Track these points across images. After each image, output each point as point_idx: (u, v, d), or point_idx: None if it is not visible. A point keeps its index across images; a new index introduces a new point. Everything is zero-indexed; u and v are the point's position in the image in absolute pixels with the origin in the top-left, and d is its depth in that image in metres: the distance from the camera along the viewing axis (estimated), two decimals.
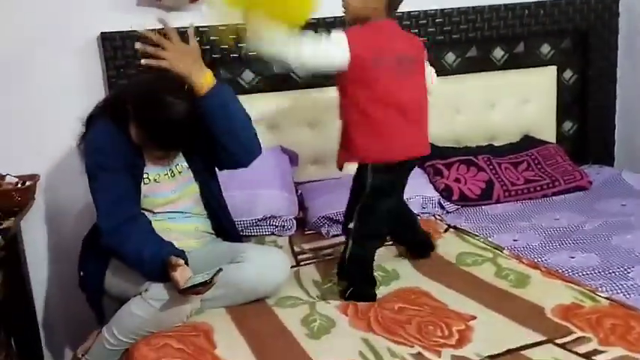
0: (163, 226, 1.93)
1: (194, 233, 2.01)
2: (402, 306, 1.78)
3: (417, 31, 2.70)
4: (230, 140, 1.86)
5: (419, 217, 2.40)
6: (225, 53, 2.58)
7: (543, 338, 1.56)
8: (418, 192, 2.55)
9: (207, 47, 2.53)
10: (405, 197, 2.36)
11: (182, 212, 2.00)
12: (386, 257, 2.11)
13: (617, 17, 2.96)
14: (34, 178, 2.35)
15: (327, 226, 2.42)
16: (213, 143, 1.87)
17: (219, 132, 1.84)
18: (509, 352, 1.52)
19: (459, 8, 2.75)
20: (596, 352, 1.49)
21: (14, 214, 2.20)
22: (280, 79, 2.70)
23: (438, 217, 2.48)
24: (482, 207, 2.54)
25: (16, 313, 2.31)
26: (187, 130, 1.81)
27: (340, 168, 1.93)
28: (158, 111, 1.76)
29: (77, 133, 1.99)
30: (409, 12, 2.69)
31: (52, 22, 2.40)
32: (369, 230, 1.89)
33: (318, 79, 2.58)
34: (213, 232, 2.09)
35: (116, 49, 2.47)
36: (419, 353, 1.54)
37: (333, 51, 1.78)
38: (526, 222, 2.36)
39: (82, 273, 2.02)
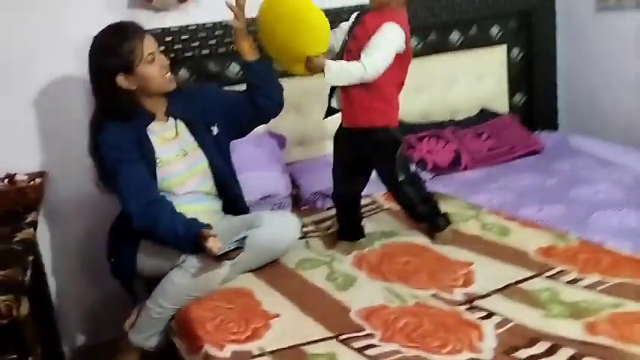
0: (178, 208, 2.10)
1: (207, 214, 2.20)
2: (408, 259, 2.08)
3: None
4: (273, 91, 2.29)
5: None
6: (214, 48, 2.78)
7: (533, 273, 1.90)
8: None
9: (196, 44, 2.75)
10: None
11: (194, 192, 2.19)
12: (382, 219, 2.40)
13: None
14: (42, 175, 2.48)
15: (321, 200, 2.68)
16: (254, 100, 2.24)
17: (266, 85, 2.25)
18: (507, 286, 1.84)
19: None
20: (577, 279, 1.84)
21: (31, 209, 2.34)
22: None
23: None
24: (454, 175, 2.86)
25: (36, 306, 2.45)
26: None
27: (361, 126, 2.15)
28: (117, 32, 2.06)
29: (87, 141, 2.15)
30: None
31: (48, 24, 2.52)
32: (413, 174, 2.24)
33: None
34: (222, 211, 2.31)
35: None
36: (435, 294, 1.85)
37: (397, 42, 2.06)
38: (495, 184, 2.70)
39: (112, 260, 2.20)
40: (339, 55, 2.15)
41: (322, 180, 2.75)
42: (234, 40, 2.27)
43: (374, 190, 2.70)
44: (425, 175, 2.85)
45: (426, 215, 2.26)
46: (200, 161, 2.21)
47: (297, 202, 2.73)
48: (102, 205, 2.48)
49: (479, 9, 3.18)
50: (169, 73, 2.12)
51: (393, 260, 2.08)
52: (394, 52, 2.07)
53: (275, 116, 2.36)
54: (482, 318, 1.69)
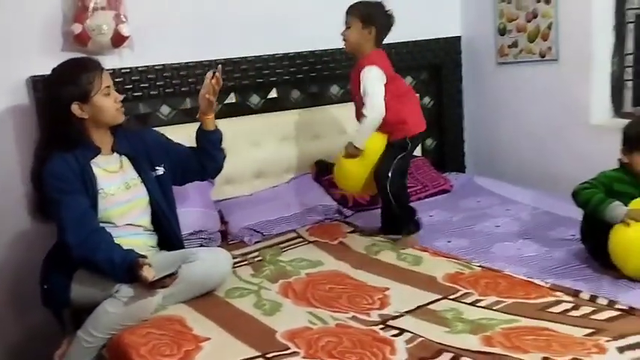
0: (117, 241, 2.20)
1: (143, 247, 2.31)
2: (331, 286, 2.26)
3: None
4: (219, 157, 2.56)
5: (323, 223, 2.93)
6: (146, 91, 2.93)
7: (440, 296, 2.12)
8: (320, 202, 3.07)
9: (130, 86, 2.89)
10: (307, 207, 2.93)
11: (133, 225, 2.31)
12: (308, 251, 2.59)
13: (460, 54, 3.71)
14: None
15: (248, 235, 2.84)
16: (201, 161, 2.47)
17: (215, 152, 2.48)
18: (418, 307, 2.05)
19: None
20: (477, 300, 2.07)
21: None
22: (191, 112, 3.10)
23: (341, 221, 2.99)
24: (372, 211, 3.09)
25: None
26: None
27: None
28: (77, 63, 2.23)
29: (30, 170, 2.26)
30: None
31: None
32: (403, 184, 2.68)
33: (225, 112, 3.06)
34: (157, 246, 2.42)
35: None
36: (354, 316, 2.03)
37: (378, 78, 2.55)
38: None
39: (45, 287, 2.26)
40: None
41: (250, 216, 2.93)
42: (201, 110, 2.47)
43: (297, 225, 2.91)
44: (347, 212, 3.08)
45: (399, 215, 2.63)
46: (142, 196, 2.33)
47: (226, 237, 2.87)
48: (29, 238, 2.54)
49: (395, 62, 3.44)
50: (122, 107, 2.27)
51: (317, 287, 2.25)
52: (381, 86, 2.56)
53: (214, 177, 2.64)
54: (395, 335, 1.88)
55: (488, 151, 3.73)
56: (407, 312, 2.03)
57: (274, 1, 3.21)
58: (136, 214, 2.31)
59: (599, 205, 2.22)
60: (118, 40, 2.78)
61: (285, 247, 2.70)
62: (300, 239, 2.78)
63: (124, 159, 2.34)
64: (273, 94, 3.33)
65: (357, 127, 2.66)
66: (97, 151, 2.26)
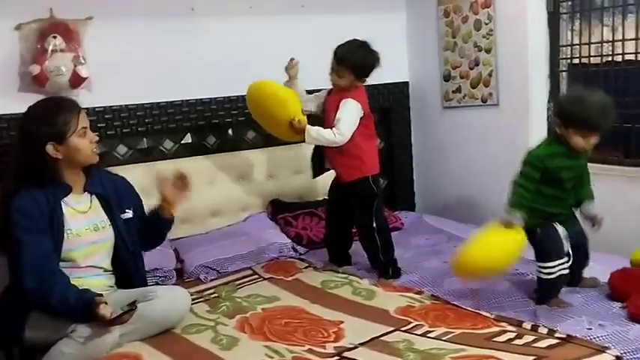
0: (77, 282, 2.21)
1: (101, 287, 2.31)
2: (287, 321, 2.32)
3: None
4: (164, 235, 2.57)
5: (278, 260, 3.00)
6: (103, 130, 2.97)
7: (393, 328, 2.20)
8: (275, 240, 3.15)
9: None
10: (262, 245, 2.99)
11: (94, 267, 2.31)
12: (264, 287, 2.65)
13: (408, 98, 3.89)
14: None
15: (204, 272, 2.87)
16: (148, 234, 2.49)
17: (163, 233, 2.54)
18: (372, 339, 2.13)
19: None
20: (428, 331, 2.16)
21: None
22: (147, 152, 3.16)
23: (296, 258, 3.06)
24: (325, 249, 3.17)
25: None
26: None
27: (346, 180, 2.79)
28: (54, 104, 2.26)
29: None
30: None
31: None
32: (384, 222, 2.82)
33: (181, 152, 3.12)
34: (114, 286, 2.42)
35: (1, 130, 2.76)
36: (310, 349, 2.09)
37: (355, 112, 2.71)
38: (363, 257, 3.03)
39: None
40: (323, 113, 2.84)
41: (206, 254, 2.98)
42: (170, 201, 2.47)
43: (253, 262, 2.96)
44: (301, 250, 3.16)
45: (382, 262, 2.78)
46: (108, 238, 2.33)
47: (182, 275, 2.90)
48: None
49: None
50: (97, 149, 2.30)
51: (274, 322, 2.31)
52: (356, 119, 2.72)
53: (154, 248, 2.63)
54: None
55: (435, 190, 3.89)
56: (361, 344, 2.10)
57: (229, 44, 3.33)
58: (100, 256, 2.32)
59: (511, 206, 2.36)
60: (76, 81, 2.84)
61: (240, 284, 2.75)
62: (256, 276, 2.83)
63: (95, 199, 2.34)
64: (228, 134, 3.42)
65: (322, 130, 2.73)
66: (68, 191, 2.26)
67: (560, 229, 2.38)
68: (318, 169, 2.94)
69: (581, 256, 2.46)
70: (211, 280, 2.81)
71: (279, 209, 3.38)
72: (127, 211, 2.41)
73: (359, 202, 2.79)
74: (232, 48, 3.34)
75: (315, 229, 3.26)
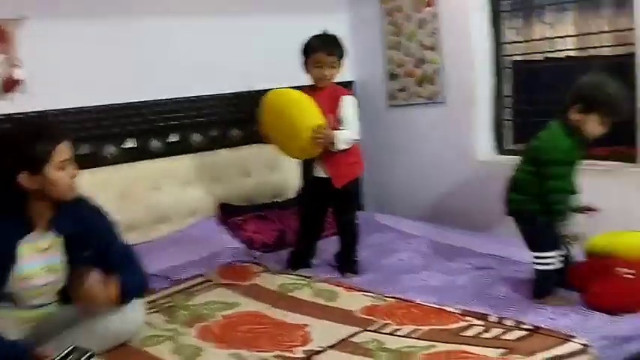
0: (19, 314, 2.05)
1: (46, 317, 2.12)
2: (251, 327, 2.24)
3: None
4: None
5: (232, 265, 2.92)
6: None
7: (360, 329, 2.16)
8: (227, 244, 3.06)
9: None
10: (215, 250, 2.91)
11: (44, 305, 2.11)
12: (221, 293, 2.56)
13: None
14: None
15: (154, 281, 2.74)
16: None
17: None
18: (340, 341, 2.08)
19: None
20: (396, 330, 2.14)
21: None
22: (86, 157, 2.99)
23: (251, 262, 2.98)
24: (280, 252, 3.11)
25: None
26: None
27: (346, 182, 2.80)
28: (32, 129, 1.99)
29: None
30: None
31: None
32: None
33: (123, 157, 2.99)
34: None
35: None
36: (278, 355, 2.02)
37: (356, 109, 2.77)
38: (318, 259, 3.00)
39: None
40: None
41: (155, 262, 2.84)
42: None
43: (206, 268, 2.86)
44: (254, 253, 3.08)
45: (351, 256, 2.83)
46: (60, 281, 2.10)
47: None
48: None
49: None
50: (75, 183, 2.05)
51: (237, 329, 2.22)
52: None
53: None
54: None
55: (385, 189, 3.89)
56: (329, 347, 2.05)
57: (172, 44, 3.22)
58: (47, 297, 2.12)
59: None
60: (10, 84, 2.68)
61: (196, 291, 2.64)
62: (211, 282, 2.73)
63: (57, 238, 2.08)
64: (173, 137, 3.30)
65: (348, 133, 2.73)
66: (29, 228, 2.02)
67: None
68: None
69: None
70: (163, 288, 2.69)
71: (228, 213, 3.29)
72: (87, 250, 2.11)
73: (348, 199, 2.84)
74: (175, 49, 3.23)
75: (267, 233, 3.19)
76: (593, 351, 1.95)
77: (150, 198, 3.13)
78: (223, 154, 3.41)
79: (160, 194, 3.19)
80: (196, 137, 3.36)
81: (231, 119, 3.44)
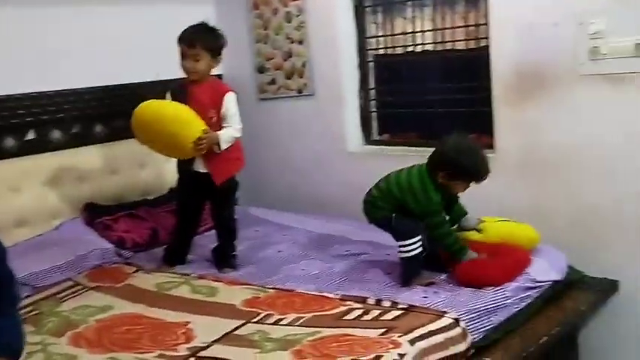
0: None
1: None
2: (128, 328, 2.15)
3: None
4: None
5: (102, 267, 2.78)
6: None
7: (243, 321, 2.15)
8: (95, 246, 2.90)
9: None
10: (81, 253, 2.76)
11: None
12: (92, 297, 2.43)
13: None
14: None
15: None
16: None
17: None
18: (225, 335, 2.06)
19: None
20: (279, 320, 2.15)
21: None
22: None
23: (122, 263, 2.85)
24: (153, 250, 3.01)
25: None
26: None
27: (225, 178, 2.76)
28: None
29: None
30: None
31: None
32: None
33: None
34: None
35: None
36: (161, 354, 1.96)
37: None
38: (192, 255, 2.93)
39: None
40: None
41: (16, 269, 2.60)
42: None
43: (73, 273, 2.71)
44: (126, 254, 2.95)
45: (229, 250, 2.81)
46: None
47: None
48: None
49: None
50: None
51: (112, 332, 2.12)
52: None
53: None
54: None
55: (257, 182, 3.88)
56: (214, 341, 2.02)
57: (27, 34, 3.00)
58: None
59: (458, 252, 2.39)
60: None
61: (63, 297, 2.49)
62: (80, 286, 2.59)
63: None
64: (30, 135, 3.08)
65: (231, 131, 2.68)
66: None
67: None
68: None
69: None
70: (26, 296, 2.50)
71: (95, 213, 3.13)
72: None
73: (226, 195, 2.82)
74: (30, 39, 3.00)
75: (138, 231, 3.07)
76: (463, 324, 2.09)
77: (7, 200, 2.90)
78: (87, 152, 3.23)
79: (18, 196, 2.96)
80: (56, 134, 3.15)
81: (94, 115, 3.26)
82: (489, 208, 2.65)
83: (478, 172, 2.34)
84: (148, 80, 3.34)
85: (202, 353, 1.95)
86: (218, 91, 2.70)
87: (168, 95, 2.73)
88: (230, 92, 2.71)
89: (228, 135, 2.66)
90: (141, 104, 2.61)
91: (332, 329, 2.03)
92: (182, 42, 2.64)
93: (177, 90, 2.71)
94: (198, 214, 2.87)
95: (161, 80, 3.22)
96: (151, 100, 2.63)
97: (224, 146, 2.64)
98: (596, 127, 2.62)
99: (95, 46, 3.22)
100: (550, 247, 2.59)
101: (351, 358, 1.82)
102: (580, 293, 2.54)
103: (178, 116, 2.57)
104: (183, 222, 2.85)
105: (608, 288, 2.60)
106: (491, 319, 2.22)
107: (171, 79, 2.93)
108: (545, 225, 2.68)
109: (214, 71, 3.77)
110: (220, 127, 2.67)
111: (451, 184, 2.37)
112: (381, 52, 3.52)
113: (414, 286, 2.36)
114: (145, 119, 2.60)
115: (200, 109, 2.62)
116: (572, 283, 2.57)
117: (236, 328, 2.10)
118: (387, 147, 3.46)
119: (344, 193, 3.47)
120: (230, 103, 2.70)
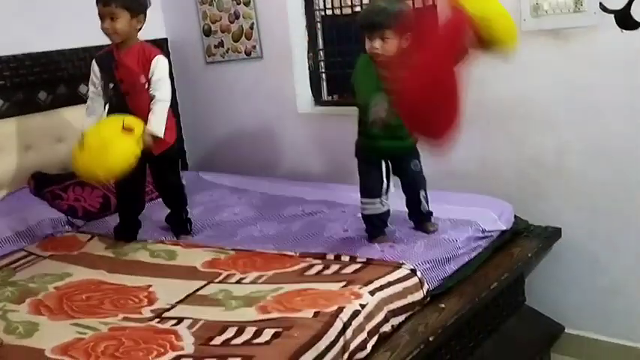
0: None
1: None
2: (88, 295, 2.14)
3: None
4: None
5: (54, 237, 2.74)
6: None
7: (206, 282, 2.17)
8: (45, 216, 2.85)
9: None
10: (32, 224, 2.73)
11: None
12: (47, 265, 2.41)
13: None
14: None
15: None
16: None
17: None
18: (188, 296, 2.08)
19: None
20: (242, 279, 2.18)
21: None
22: None
23: (76, 232, 2.81)
24: (106, 218, 2.97)
25: None
26: None
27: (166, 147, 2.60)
28: None
29: None
30: None
31: None
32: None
33: None
34: None
35: None
36: (125, 317, 1.96)
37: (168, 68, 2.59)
38: (146, 220, 2.91)
39: None
40: (108, 98, 2.58)
41: None
42: None
43: (25, 243, 2.66)
44: (78, 222, 2.91)
45: (183, 218, 2.75)
46: None
47: None
48: None
49: None
50: None
51: (73, 299, 2.11)
52: None
53: None
54: (175, 324, 1.89)
55: (208, 147, 3.87)
56: (178, 302, 2.04)
57: None
58: None
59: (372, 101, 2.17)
60: None
61: (17, 267, 2.46)
62: (33, 256, 2.56)
63: None
64: None
65: (158, 113, 2.49)
66: None
67: (385, 168, 2.39)
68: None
69: (414, 198, 2.48)
70: None
71: (43, 183, 3.05)
72: None
73: (170, 164, 2.72)
74: None
75: (90, 199, 3.02)
76: (419, 274, 2.17)
77: None
78: (31, 120, 3.13)
79: None
80: None
81: (36, 81, 3.16)
82: (437, 163, 2.72)
83: (362, 17, 2.33)
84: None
85: (167, 314, 1.97)
86: (146, 55, 2.53)
87: (93, 63, 2.60)
88: (159, 55, 2.54)
89: (157, 121, 2.48)
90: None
91: (294, 285, 2.08)
92: (98, 2, 2.48)
93: (104, 57, 2.58)
94: (140, 190, 2.73)
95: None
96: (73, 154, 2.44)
97: (161, 129, 2.49)
98: (539, 81, 2.72)
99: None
100: (497, 199, 2.70)
101: (315, 310, 1.87)
102: (526, 241, 2.66)
103: (110, 144, 2.35)
104: (124, 199, 2.73)
105: (551, 235, 2.74)
106: (446, 268, 2.31)
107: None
108: (492, 177, 2.79)
109: (161, 35, 3.74)
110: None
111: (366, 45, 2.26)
112: (329, 12, 3.52)
113: (371, 243, 2.43)
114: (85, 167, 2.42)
115: (130, 77, 2.51)
116: (519, 231, 2.69)
117: (199, 289, 2.13)
118: (337, 107, 3.48)
119: (295, 154, 3.50)
120: (159, 67, 2.53)
